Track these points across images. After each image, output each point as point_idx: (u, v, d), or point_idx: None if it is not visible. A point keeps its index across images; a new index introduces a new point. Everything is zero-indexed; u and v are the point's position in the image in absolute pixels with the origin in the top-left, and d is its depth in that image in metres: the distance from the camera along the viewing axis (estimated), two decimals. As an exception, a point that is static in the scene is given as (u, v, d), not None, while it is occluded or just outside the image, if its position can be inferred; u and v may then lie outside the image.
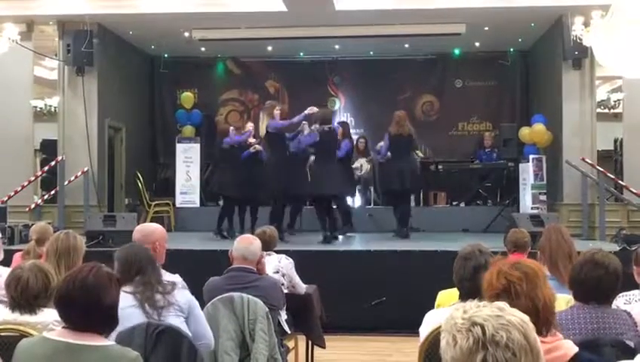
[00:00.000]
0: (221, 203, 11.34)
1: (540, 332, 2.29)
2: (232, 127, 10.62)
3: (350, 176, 10.38)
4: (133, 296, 3.46)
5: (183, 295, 3.61)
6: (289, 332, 5.32)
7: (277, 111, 9.67)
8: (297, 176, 9.50)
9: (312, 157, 9.83)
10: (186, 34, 12.12)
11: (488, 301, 1.87)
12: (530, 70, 13.67)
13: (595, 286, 3.20)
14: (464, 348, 1.57)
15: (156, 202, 12.64)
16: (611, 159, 13.31)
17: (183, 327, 3.50)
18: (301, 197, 10.35)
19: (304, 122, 9.61)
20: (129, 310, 3.39)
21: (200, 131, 13.61)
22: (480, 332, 1.58)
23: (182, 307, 3.55)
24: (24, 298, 3.24)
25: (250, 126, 10.38)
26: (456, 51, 13.71)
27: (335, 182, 9.46)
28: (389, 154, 9.99)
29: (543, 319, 2.33)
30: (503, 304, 1.67)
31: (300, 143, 9.72)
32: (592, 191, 10.80)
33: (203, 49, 13.37)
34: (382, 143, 10.21)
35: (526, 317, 1.65)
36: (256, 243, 4.69)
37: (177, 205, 12.70)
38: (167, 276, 4.12)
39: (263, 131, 9.64)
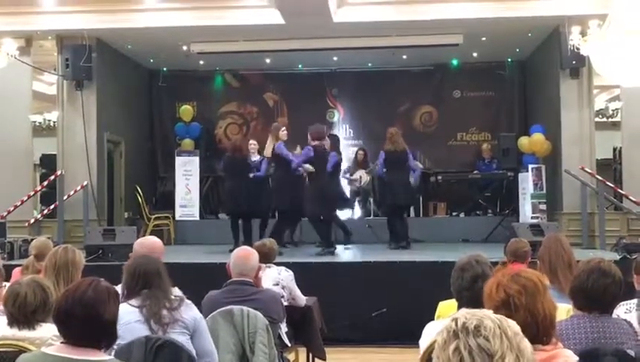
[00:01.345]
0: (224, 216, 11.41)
1: (540, 341, 2.29)
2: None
3: (334, 192, 10.30)
4: (140, 311, 3.45)
5: (189, 311, 3.59)
6: (289, 344, 5.30)
7: (283, 132, 9.88)
8: (299, 192, 9.68)
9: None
10: (185, 47, 12.15)
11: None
12: (528, 80, 13.70)
13: (602, 295, 3.19)
14: (440, 342, 1.60)
15: (156, 215, 12.63)
16: (610, 168, 13.31)
17: (187, 345, 3.47)
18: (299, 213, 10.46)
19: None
20: (135, 324, 3.38)
21: (199, 144, 13.62)
22: (454, 324, 1.63)
23: (187, 324, 3.53)
24: (22, 313, 3.23)
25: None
26: (454, 62, 13.74)
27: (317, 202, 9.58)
28: (384, 170, 10.15)
29: (543, 331, 2.33)
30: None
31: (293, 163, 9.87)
32: (591, 200, 10.79)
33: (201, 62, 13.40)
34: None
35: (512, 322, 1.66)
36: (253, 257, 4.66)
37: (177, 218, 12.69)
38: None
39: (268, 152, 9.83)
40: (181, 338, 3.46)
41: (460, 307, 3.33)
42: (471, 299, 3.21)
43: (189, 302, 3.67)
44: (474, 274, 3.28)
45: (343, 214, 12.39)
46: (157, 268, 3.59)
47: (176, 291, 4.19)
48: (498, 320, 1.63)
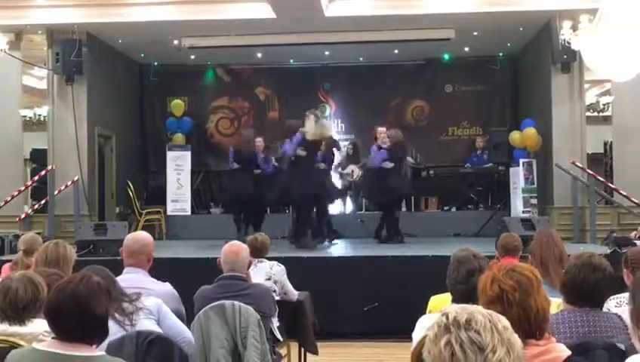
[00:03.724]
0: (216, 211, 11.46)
1: (533, 336, 2.30)
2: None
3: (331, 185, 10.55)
4: None
5: (149, 300, 3.67)
6: (281, 339, 5.31)
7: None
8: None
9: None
10: (176, 42, 12.11)
11: (482, 307, 1.88)
12: (520, 74, 13.72)
13: (592, 289, 3.20)
14: (432, 336, 1.61)
15: (147, 210, 12.61)
16: (601, 162, 13.36)
17: (156, 329, 3.56)
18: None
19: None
20: None
21: (190, 139, 13.59)
22: (444, 318, 1.64)
23: (151, 310, 3.61)
24: (13, 309, 3.21)
25: None
26: (446, 56, 13.74)
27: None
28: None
29: (536, 326, 2.34)
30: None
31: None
32: (582, 195, 10.84)
33: (193, 57, 13.35)
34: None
35: (502, 317, 1.67)
36: (243, 253, 4.66)
37: (168, 213, 12.67)
38: (157, 284, 4.12)
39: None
40: (148, 323, 3.54)
41: (453, 300, 3.33)
42: (465, 293, 3.21)
43: (151, 293, 3.78)
44: (470, 269, 3.29)
45: (335, 208, 12.48)
46: (108, 273, 3.63)
47: (168, 286, 4.20)
48: (488, 314, 1.65)
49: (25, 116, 12.82)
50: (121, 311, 3.50)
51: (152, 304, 3.64)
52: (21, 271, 3.49)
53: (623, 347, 3.04)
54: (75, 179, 11.17)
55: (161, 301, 3.74)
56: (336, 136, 12.65)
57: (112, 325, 3.32)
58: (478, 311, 1.64)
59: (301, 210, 10.11)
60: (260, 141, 10.98)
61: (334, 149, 11.03)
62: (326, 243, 10.05)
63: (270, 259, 5.87)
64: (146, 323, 3.52)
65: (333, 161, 10.94)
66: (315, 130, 9.67)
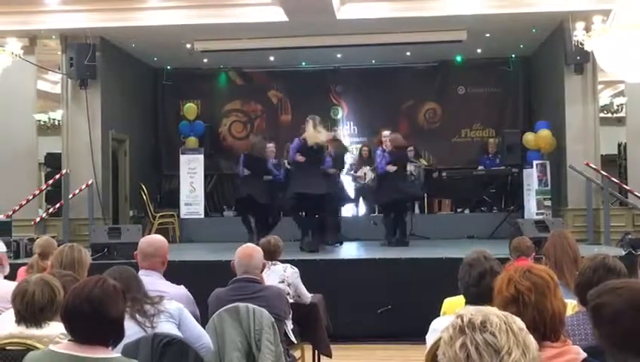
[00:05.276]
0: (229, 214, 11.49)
1: (548, 338, 2.29)
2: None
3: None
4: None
5: (171, 303, 3.69)
6: (295, 341, 5.32)
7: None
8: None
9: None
10: (188, 45, 12.16)
11: (497, 307, 1.88)
12: (532, 76, 13.67)
13: None
14: (446, 338, 1.61)
15: (161, 213, 12.66)
16: (615, 163, 13.29)
17: (176, 333, 3.58)
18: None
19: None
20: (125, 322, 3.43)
21: (203, 142, 13.63)
22: (459, 320, 1.64)
23: (172, 314, 3.63)
24: (30, 311, 3.23)
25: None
26: (458, 58, 13.72)
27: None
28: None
29: (551, 328, 2.33)
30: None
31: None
32: (596, 196, 10.78)
33: (205, 60, 13.41)
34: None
35: (517, 318, 1.67)
36: (257, 256, 4.68)
37: (182, 216, 12.71)
38: (172, 287, 4.14)
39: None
40: (169, 326, 3.56)
41: (467, 303, 3.33)
42: (478, 295, 3.21)
43: (169, 296, 3.79)
44: (482, 271, 3.28)
45: (348, 210, 12.50)
46: (133, 273, 3.68)
47: (182, 289, 4.22)
48: (503, 316, 1.65)
49: (39, 120, 12.90)
50: (142, 312, 3.52)
51: (173, 307, 3.66)
52: (38, 274, 3.52)
53: (638, 349, 3.03)
54: (89, 182, 11.23)
55: (183, 305, 3.76)
56: (346, 141, 12.73)
57: (132, 326, 3.35)
58: (493, 313, 1.64)
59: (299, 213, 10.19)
60: (271, 147, 10.95)
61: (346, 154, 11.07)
62: (328, 245, 10.04)
63: (283, 261, 5.88)
64: (166, 327, 3.54)
65: (342, 166, 10.97)
66: (310, 135, 9.67)
